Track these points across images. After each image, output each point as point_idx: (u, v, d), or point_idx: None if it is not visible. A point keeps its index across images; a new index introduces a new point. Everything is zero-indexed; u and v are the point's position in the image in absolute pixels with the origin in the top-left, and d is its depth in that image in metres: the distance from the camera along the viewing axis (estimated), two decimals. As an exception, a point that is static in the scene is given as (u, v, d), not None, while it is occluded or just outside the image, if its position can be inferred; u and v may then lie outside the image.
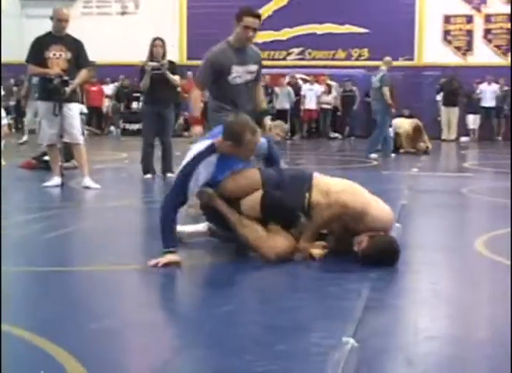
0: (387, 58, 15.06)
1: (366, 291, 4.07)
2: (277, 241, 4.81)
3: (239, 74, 6.26)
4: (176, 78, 9.81)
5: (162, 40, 9.91)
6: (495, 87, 20.90)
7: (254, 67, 6.34)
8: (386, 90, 13.94)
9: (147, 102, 10.00)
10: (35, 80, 15.72)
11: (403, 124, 15.57)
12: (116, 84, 22.80)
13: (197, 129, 6.59)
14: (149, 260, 4.59)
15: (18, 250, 5.23)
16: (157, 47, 9.76)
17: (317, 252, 4.89)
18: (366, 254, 4.73)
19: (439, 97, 20.93)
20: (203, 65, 6.30)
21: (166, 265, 4.52)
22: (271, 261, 4.70)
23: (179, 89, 12.11)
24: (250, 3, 23.37)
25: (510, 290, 4.00)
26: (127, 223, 6.69)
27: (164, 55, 9.77)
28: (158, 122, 9.80)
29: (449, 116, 20.58)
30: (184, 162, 4.93)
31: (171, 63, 9.90)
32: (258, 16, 6.40)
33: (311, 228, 4.94)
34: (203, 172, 4.85)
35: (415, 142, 15.17)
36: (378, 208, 4.95)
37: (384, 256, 4.71)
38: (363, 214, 4.84)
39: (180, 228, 5.26)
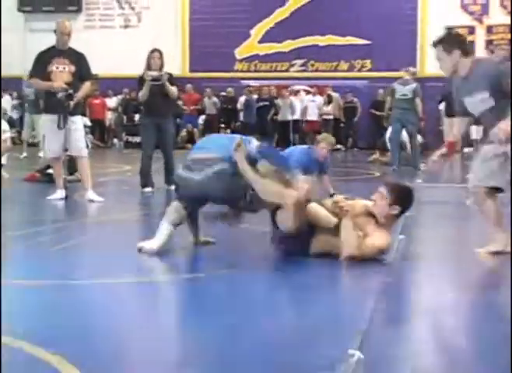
0: (412, 69, 15.03)
1: (370, 302, 4.06)
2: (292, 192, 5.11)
3: None
4: (174, 89, 9.81)
5: (160, 52, 9.92)
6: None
7: None
8: (419, 101, 13.94)
9: (146, 113, 9.95)
10: (30, 94, 15.84)
11: None
12: (119, 96, 22.87)
13: None
14: None
15: (21, 263, 5.22)
16: (155, 58, 9.77)
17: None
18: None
19: (441, 107, 20.94)
20: None
21: None
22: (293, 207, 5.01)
23: (179, 102, 12.12)
24: (251, 16, 23.70)
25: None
26: (128, 236, 6.69)
27: (162, 67, 9.79)
28: (157, 134, 9.80)
29: (451, 126, 20.55)
30: None
31: (169, 75, 9.89)
32: None
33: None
34: None
35: None
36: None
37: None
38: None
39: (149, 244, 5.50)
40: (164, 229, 5.57)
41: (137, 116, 21.58)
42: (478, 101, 5.39)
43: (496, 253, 5.48)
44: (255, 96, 21.67)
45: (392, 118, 14.67)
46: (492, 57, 5.22)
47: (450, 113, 20.27)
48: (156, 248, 5.46)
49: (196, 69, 23.36)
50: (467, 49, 5.45)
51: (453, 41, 5.48)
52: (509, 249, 5.44)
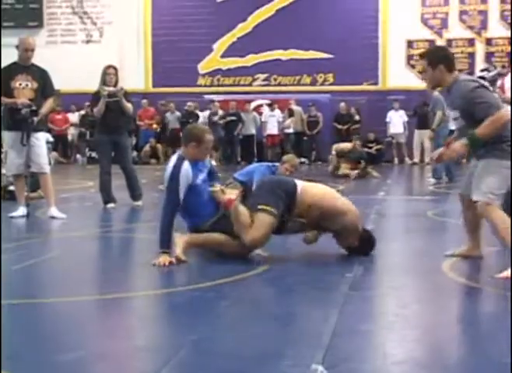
0: None
1: (334, 315, 4.08)
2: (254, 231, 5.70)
3: None
4: (130, 105, 9.78)
5: (115, 68, 9.91)
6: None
7: None
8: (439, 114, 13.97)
9: (101, 129, 9.86)
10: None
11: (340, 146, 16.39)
12: (82, 112, 22.74)
13: None
14: (153, 260, 5.53)
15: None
16: (110, 75, 9.74)
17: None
18: (354, 249, 5.93)
19: (405, 118, 21.18)
20: None
21: (165, 264, 5.49)
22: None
23: (135, 117, 12.08)
24: (213, 31, 23.76)
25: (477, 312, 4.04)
26: (92, 253, 6.67)
27: (117, 83, 9.77)
28: (114, 150, 9.77)
29: (421, 138, 20.79)
30: (167, 175, 5.80)
31: (124, 90, 9.86)
32: None
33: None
34: (184, 178, 5.76)
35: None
36: (354, 211, 5.97)
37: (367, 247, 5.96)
38: (342, 213, 5.84)
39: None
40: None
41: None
42: (453, 117, 5.65)
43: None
44: (220, 111, 21.71)
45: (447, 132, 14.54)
46: (468, 80, 5.32)
47: (420, 126, 20.62)
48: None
49: (159, 84, 23.34)
50: (451, 65, 5.59)
51: (439, 56, 5.64)
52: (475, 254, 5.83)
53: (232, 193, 6.16)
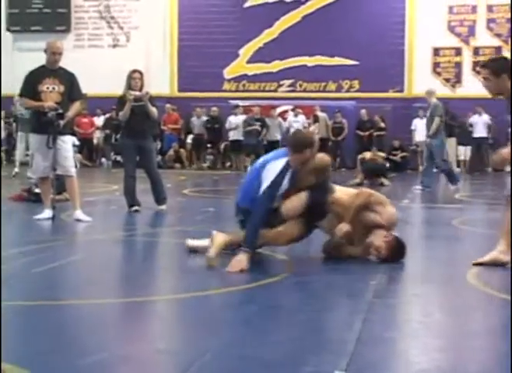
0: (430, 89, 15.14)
1: (358, 323, 4.07)
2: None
3: None
4: (155, 110, 9.81)
5: (140, 72, 9.93)
6: (486, 118, 20.96)
7: None
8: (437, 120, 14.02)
9: (126, 134, 9.89)
10: (24, 113, 15.83)
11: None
12: (107, 115, 22.88)
13: None
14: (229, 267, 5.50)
15: (7, 284, 5.20)
16: (135, 79, 9.76)
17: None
18: (385, 258, 5.91)
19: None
20: None
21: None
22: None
23: (159, 121, 12.11)
24: (240, 37, 23.86)
25: (507, 322, 4.01)
26: (116, 256, 6.70)
27: (142, 87, 9.79)
28: (139, 154, 9.81)
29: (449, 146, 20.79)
30: (270, 179, 5.79)
31: (149, 95, 9.89)
32: None
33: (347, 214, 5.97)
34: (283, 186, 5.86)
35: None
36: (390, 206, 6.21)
37: (399, 256, 5.98)
38: (384, 204, 6.09)
39: (191, 242, 6.30)
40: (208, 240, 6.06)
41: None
42: None
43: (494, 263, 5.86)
44: (244, 116, 21.74)
45: (444, 140, 14.60)
46: None
47: (448, 134, 20.60)
48: (190, 245, 6.32)
49: (185, 89, 23.43)
50: None
51: (502, 65, 5.82)
52: (501, 260, 5.84)
53: None
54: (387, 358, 3.59)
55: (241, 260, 5.52)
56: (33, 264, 5.80)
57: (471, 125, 21.12)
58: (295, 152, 5.90)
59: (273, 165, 5.90)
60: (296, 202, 5.89)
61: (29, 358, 3.37)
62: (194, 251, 6.27)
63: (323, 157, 6.09)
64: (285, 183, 5.84)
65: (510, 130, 5.87)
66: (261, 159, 6.24)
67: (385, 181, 15.65)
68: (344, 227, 5.95)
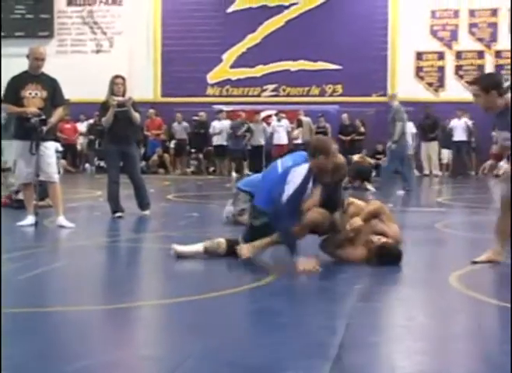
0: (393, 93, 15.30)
1: (341, 327, 4.08)
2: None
3: None
4: (137, 115, 9.80)
5: (123, 78, 9.92)
6: (465, 122, 21.00)
7: None
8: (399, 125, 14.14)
9: (110, 140, 9.86)
10: (3, 119, 15.74)
11: None
12: (90, 121, 22.80)
13: None
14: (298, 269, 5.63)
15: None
16: (118, 84, 9.74)
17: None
18: (377, 253, 6.05)
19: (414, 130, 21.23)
20: None
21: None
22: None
23: (142, 127, 12.06)
24: (223, 42, 23.81)
25: (484, 325, 4.03)
26: (99, 263, 6.69)
27: (124, 93, 9.78)
28: (122, 160, 9.79)
29: (428, 150, 20.93)
30: (297, 183, 5.87)
31: (132, 100, 9.87)
32: None
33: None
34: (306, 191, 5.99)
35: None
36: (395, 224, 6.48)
37: (390, 256, 6.05)
38: (391, 220, 6.41)
39: (179, 248, 6.23)
40: (195, 247, 6.26)
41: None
42: (503, 137, 6.17)
43: (489, 262, 6.13)
44: (228, 121, 21.77)
45: (406, 143, 14.71)
46: None
47: (426, 138, 20.75)
48: (178, 250, 6.25)
49: (168, 94, 23.42)
50: (502, 90, 6.03)
51: (491, 82, 6.05)
52: (497, 258, 6.13)
53: None
54: (370, 362, 3.60)
55: (303, 262, 5.71)
56: (17, 271, 5.77)
57: (451, 129, 21.20)
58: (310, 157, 6.03)
59: (298, 170, 5.97)
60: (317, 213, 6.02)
61: (14, 365, 3.36)
62: (181, 257, 6.25)
63: (339, 157, 6.23)
64: (310, 187, 5.98)
65: (509, 143, 6.10)
66: (280, 163, 6.29)
67: (369, 186, 15.68)
68: (357, 221, 6.14)
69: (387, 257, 6.05)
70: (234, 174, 20.78)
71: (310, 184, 5.98)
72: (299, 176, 5.91)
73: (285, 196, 5.83)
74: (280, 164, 6.26)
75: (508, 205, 6.19)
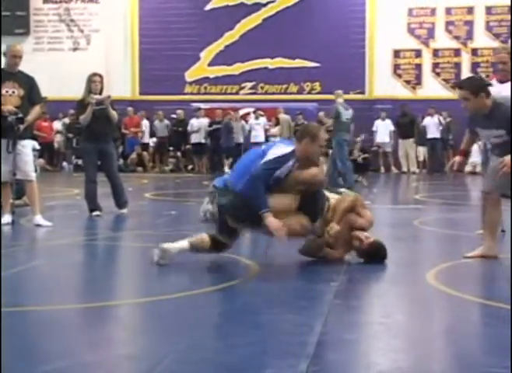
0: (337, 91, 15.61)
1: (318, 325, 4.09)
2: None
3: None
4: (114, 113, 9.77)
5: (100, 76, 9.89)
6: (437, 119, 21.12)
7: None
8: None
9: (87, 138, 9.82)
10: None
11: None
12: (65, 119, 22.66)
13: None
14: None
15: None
16: (95, 82, 9.72)
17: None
18: (365, 252, 6.12)
19: (392, 128, 21.35)
20: None
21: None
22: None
23: (120, 125, 12.01)
24: (201, 40, 23.74)
25: (461, 322, 4.05)
26: (77, 262, 6.65)
27: (101, 91, 9.76)
28: (100, 158, 9.76)
29: (405, 148, 21.05)
30: (270, 158, 5.73)
31: (110, 98, 9.85)
32: None
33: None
34: (283, 170, 5.76)
35: None
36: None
37: (378, 255, 6.14)
38: (365, 207, 6.48)
39: (165, 245, 5.89)
40: (181, 243, 5.93)
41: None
42: (494, 135, 6.28)
43: (482, 257, 6.28)
44: (207, 119, 21.75)
45: (341, 141, 14.89)
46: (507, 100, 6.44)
47: (403, 136, 20.89)
48: (165, 247, 5.88)
49: (146, 92, 23.35)
50: (488, 91, 6.22)
51: (479, 85, 6.27)
52: (491, 254, 6.28)
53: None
54: (348, 360, 3.61)
55: (273, 221, 5.58)
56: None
57: (424, 126, 21.33)
58: (296, 141, 5.97)
59: (281, 146, 5.93)
60: (284, 200, 5.83)
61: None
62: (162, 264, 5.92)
63: (317, 174, 5.96)
64: (287, 166, 5.78)
65: (499, 140, 6.29)
66: (264, 146, 6.17)
67: (364, 181, 15.90)
68: (334, 227, 6.05)
69: (375, 256, 6.13)
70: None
71: (288, 165, 5.77)
72: (281, 151, 5.81)
73: (262, 161, 5.73)
74: (264, 146, 6.13)
75: (495, 200, 6.37)
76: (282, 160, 5.76)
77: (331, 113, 15.00)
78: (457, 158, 6.78)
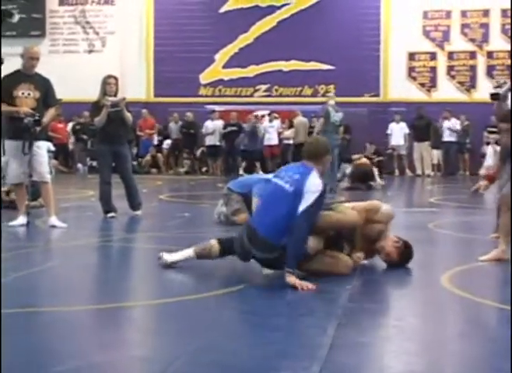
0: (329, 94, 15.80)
1: (332, 327, 4.08)
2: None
3: None
4: (129, 115, 9.80)
5: (115, 78, 9.91)
6: (454, 122, 21.05)
7: None
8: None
9: (102, 140, 9.84)
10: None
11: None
12: (81, 121, 22.71)
13: None
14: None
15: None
16: (110, 84, 9.73)
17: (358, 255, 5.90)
18: (394, 263, 5.98)
19: (406, 131, 21.28)
20: None
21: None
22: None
23: (134, 127, 12.03)
24: (215, 42, 23.74)
25: (475, 326, 4.04)
26: (91, 263, 6.67)
27: (116, 93, 9.78)
28: (114, 160, 9.78)
29: (421, 151, 20.98)
30: (310, 202, 5.28)
31: (125, 100, 9.86)
32: None
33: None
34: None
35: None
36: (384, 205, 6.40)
37: (407, 259, 6.06)
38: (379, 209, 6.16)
39: (169, 257, 5.80)
40: (187, 252, 5.82)
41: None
42: None
43: (497, 260, 6.31)
44: (221, 121, 21.75)
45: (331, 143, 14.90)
46: None
47: (419, 139, 20.83)
48: (169, 261, 5.78)
49: (161, 94, 23.39)
50: None
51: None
52: (506, 257, 6.28)
53: None
54: (361, 363, 3.61)
55: (293, 281, 5.15)
56: (8, 271, 5.75)
57: (442, 130, 21.24)
58: (315, 160, 5.65)
59: (310, 177, 5.43)
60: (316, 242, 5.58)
61: (4, 366, 3.34)
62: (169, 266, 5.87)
63: (357, 221, 5.84)
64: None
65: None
66: (279, 181, 5.59)
67: (379, 181, 15.91)
68: (361, 256, 5.93)
69: (408, 261, 6.09)
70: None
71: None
72: (315, 186, 5.37)
73: (303, 207, 5.27)
74: (281, 182, 5.56)
75: (510, 203, 6.40)
76: (322, 200, 5.43)
77: (321, 113, 14.97)
78: (483, 182, 6.85)
